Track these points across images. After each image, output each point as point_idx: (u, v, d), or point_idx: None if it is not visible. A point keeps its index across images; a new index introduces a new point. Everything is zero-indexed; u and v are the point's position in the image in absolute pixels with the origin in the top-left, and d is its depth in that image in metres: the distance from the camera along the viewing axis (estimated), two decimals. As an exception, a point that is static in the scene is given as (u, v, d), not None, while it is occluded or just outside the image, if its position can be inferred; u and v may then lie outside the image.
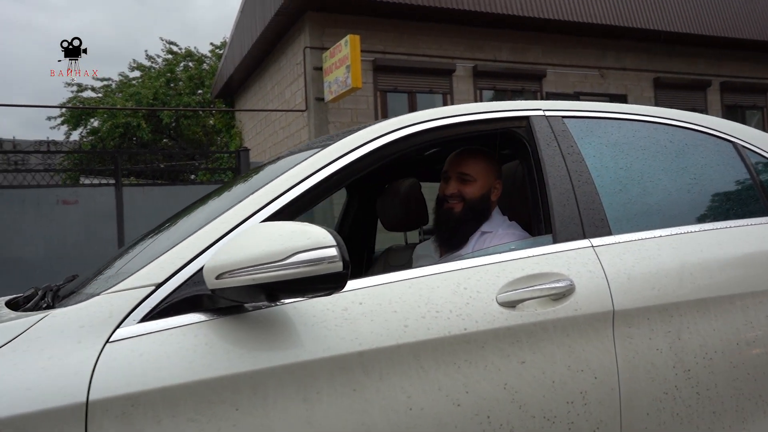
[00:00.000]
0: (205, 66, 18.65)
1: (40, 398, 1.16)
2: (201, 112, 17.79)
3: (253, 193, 1.55)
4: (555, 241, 1.75)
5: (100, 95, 18.27)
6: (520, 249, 1.72)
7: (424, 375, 1.45)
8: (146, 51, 20.81)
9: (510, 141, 1.98)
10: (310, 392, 1.34)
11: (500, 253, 1.69)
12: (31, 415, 1.14)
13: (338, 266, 1.25)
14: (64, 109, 17.53)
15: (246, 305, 1.37)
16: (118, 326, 1.28)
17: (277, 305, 1.38)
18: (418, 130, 1.76)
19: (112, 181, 8.90)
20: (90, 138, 17.00)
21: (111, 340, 1.26)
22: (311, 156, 1.65)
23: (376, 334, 1.42)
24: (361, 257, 2.99)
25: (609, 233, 1.80)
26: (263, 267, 1.24)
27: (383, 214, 2.61)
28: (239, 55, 13.25)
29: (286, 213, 1.53)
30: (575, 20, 11.39)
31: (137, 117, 16.53)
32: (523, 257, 1.68)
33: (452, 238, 2.11)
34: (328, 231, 1.28)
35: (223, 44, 17.28)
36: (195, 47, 19.29)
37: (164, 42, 18.81)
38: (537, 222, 1.86)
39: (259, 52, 12.48)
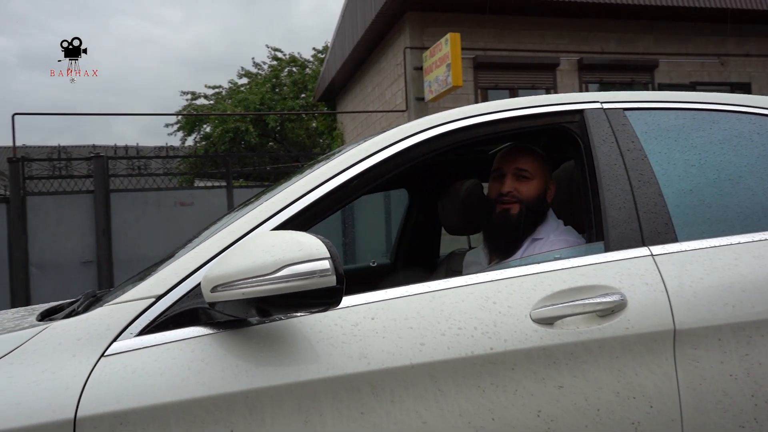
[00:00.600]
0: (308, 70, 19.11)
1: (29, 413, 1.14)
2: (304, 116, 18.24)
3: (268, 199, 1.49)
4: (607, 250, 1.55)
5: (211, 102, 19.20)
6: (565, 258, 1.54)
7: (442, 399, 1.31)
8: (253, 58, 21.74)
9: (563, 138, 1.80)
10: (313, 414, 1.25)
11: (540, 263, 1.52)
12: (19, 429, 1.13)
13: (331, 280, 1.15)
14: (179, 116, 18.59)
15: (249, 319, 1.30)
16: (114, 339, 1.25)
17: (283, 319, 1.30)
18: (453, 129, 1.62)
19: (224, 184, 9.33)
20: (203, 143, 17.90)
21: (106, 354, 1.23)
22: (333, 159, 1.56)
23: (388, 353, 1.31)
24: (425, 262, 2.87)
25: (674, 240, 1.58)
26: (253, 280, 1.17)
27: (444, 217, 2.48)
28: (341, 59, 13.44)
29: (301, 220, 1.44)
30: (691, 5, 10.60)
31: (245, 122, 17.21)
32: (567, 268, 1.50)
33: (506, 244, 1.94)
34: (323, 242, 1.18)
35: (325, 48, 17.65)
36: (298, 53, 19.89)
37: (269, 49, 19.56)
38: (589, 228, 1.67)
39: (360, 54, 12.59)
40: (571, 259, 1.52)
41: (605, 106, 1.76)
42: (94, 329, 1.25)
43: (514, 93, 10.68)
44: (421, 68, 10.31)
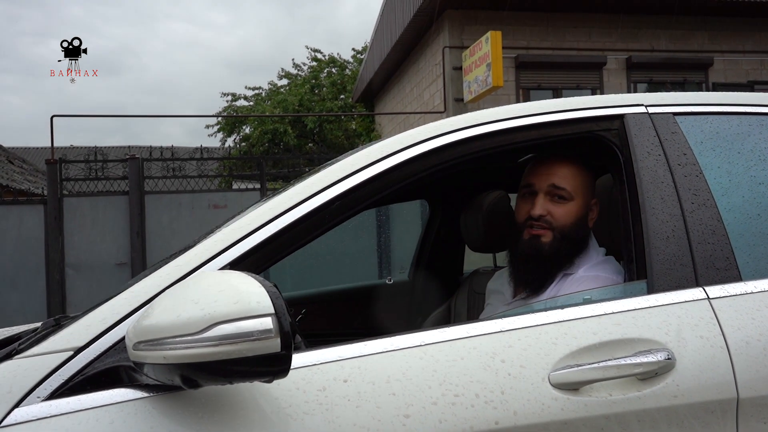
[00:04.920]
0: (347, 71, 18.92)
1: None
2: (343, 117, 18.05)
3: (232, 223, 1.22)
4: (650, 291, 1.24)
5: (251, 104, 19.18)
6: (598, 302, 1.23)
7: None
8: (293, 60, 21.62)
9: (600, 149, 1.48)
10: None
11: (565, 307, 1.21)
12: None
13: (273, 345, 0.88)
14: (219, 118, 18.63)
15: None
16: (17, 405, 0.99)
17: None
18: (456, 140, 1.32)
19: (258, 186, 9.21)
20: (242, 144, 17.88)
21: (4, 423, 0.97)
22: (311, 176, 1.29)
23: (362, 428, 1.02)
24: (446, 280, 2.58)
25: (737, 279, 1.26)
26: (178, 341, 0.90)
27: (467, 232, 2.18)
28: (379, 59, 13.19)
29: (266, 251, 1.17)
30: (749, -1, 9.98)
31: (284, 123, 17.10)
32: (598, 315, 1.19)
33: (533, 279, 1.59)
34: (268, 291, 0.90)
35: (365, 49, 17.45)
36: (338, 53, 19.75)
37: (309, 50, 19.46)
38: (628, 262, 1.35)
39: (399, 54, 12.32)
40: (603, 303, 1.21)
41: (651, 110, 1.44)
42: None
43: (557, 93, 10.27)
44: (460, 68, 9.98)
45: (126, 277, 8.49)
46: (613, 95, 1.48)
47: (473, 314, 2.16)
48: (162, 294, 1.05)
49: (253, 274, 0.96)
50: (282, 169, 12.21)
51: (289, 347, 0.88)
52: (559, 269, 1.58)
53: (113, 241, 8.59)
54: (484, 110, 1.38)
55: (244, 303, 0.89)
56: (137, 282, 1.15)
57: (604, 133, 1.42)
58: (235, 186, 11.96)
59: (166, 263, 1.18)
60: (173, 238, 8.60)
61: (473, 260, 2.71)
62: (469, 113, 1.37)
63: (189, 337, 0.89)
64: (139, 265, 8.53)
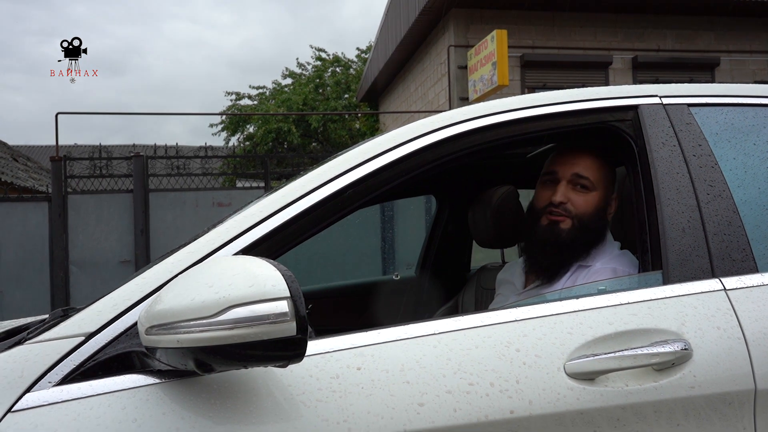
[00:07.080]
0: (351, 71, 18.94)
1: None
2: (347, 116, 18.06)
3: (244, 210, 1.21)
4: (666, 282, 1.23)
5: (255, 103, 19.20)
6: (613, 292, 1.22)
7: None
8: (297, 59, 21.67)
9: (613, 140, 1.47)
10: None
11: (580, 297, 1.20)
12: None
13: (289, 328, 0.87)
14: (223, 117, 18.64)
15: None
16: (28, 390, 0.99)
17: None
18: (469, 129, 1.31)
19: (263, 184, 9.21)
20: (246, 143, 17.92)
21: (14, 408, 0.97)
22: (323, 165, 1.28)
23: (376, 416, 1.01)
24: (453, 276, 2.57)
25: (753, 270, 1.25)
26: (192, 324, 0.89)
27: (475, 227, 2.17)
28: (383, 58, 13.19)
29: (278, 239, 1.16)
30: (756, -1, 9.95)
31: (288, 122, 17.12)
32: (614, 305, 1.17)
33: (548, 266, 1.59)
34: (284, 274, 0.89)
35: (369, 48, 17.44)
36: (342, 53, 19.74)
37: (314, 50, 19.45)
38: (643, 253, 1.34)
39: (403, 53, 12.31)
40: (619, 294, 1.20)
41: (665, 101, 1.43)
42: (5, 376, 0.99)
43: (563, 93, 10.25)
44: (465, 67, 9.97)
45: (130, 274, 8.46)
46: (627, 86, 1.47)
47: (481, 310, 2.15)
48: (174, 279, 1.04)
49: (268, 259, 0.95)
50: (286, 168, 12.22)
51: (304, 331, 0.88)
52: (574, 259, 1.58)
53: (117, 238, 8.60)
54: (498, 100, 1.37)
55: (259, 286, 0.88)
56: (148, 269, 1.14)
57: (618, 123, 1.41)
58: (239, 184, 11.95)
59: (177, 251, 1.17)
60: (177, 236, 8.61)
61: (479, 258, 2.70)
62: (483, 102, 1.36)
63: (203, 321, 0.88)
64: (143, 263, 8.53)
